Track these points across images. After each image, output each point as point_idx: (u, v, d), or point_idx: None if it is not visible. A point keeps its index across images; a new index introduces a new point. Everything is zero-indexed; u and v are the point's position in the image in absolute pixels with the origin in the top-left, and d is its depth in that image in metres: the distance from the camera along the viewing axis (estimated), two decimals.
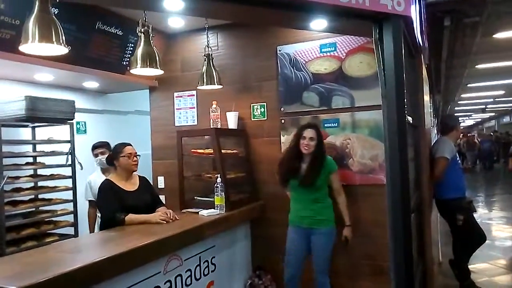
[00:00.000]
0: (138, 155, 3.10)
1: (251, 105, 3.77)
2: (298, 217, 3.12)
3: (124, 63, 3.72)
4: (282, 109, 3.64)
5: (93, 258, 2.01)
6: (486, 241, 4.06)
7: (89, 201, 3.73)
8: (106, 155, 3.44)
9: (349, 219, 3.11)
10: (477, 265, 4.51)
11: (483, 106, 17.49)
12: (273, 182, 3.54)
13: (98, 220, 3.65)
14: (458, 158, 4.05)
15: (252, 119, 3.77)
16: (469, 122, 25.64)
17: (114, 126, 4.71)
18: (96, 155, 3.76)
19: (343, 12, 2.08)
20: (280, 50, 3.64)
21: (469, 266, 4.08)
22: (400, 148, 2.17)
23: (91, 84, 4.09)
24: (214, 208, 3.25)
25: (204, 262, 3.00)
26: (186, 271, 2.79)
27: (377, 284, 3.25)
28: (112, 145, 3.26)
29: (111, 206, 2.87)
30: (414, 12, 2.50)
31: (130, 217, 2.82)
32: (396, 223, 2.32)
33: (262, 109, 3.74)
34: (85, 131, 4.52)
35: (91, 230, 3.70)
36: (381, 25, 2.22)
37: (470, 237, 3.94)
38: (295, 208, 3.16)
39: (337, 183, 3.14)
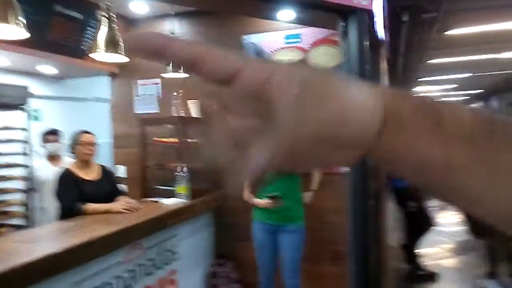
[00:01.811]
0: (95, 144, 3.02)
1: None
2: (265, 212, 2.89)
3: (83, 47, 3.58)
4: None
5: (52, 249, 1.96)
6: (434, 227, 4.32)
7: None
8: (57, 143, 3.38)
9: (316, 186, 3.04)
10: (426, 249, 4.77)
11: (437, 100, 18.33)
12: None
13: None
14: None
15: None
16: None
17: (71, 113, 4.53)
18: (48, 141, 3.60)
19: (311, 4, 2.12)
20: (245, 40, 3.64)
21: (419, 250, 4.32)
22: None
23: (48, 69, 3.92)
24: (176, 197, 3.24)
25: (166, 251, 2.99)
26: (148, 260, 2.77)
27: (336, 267, 3.37)
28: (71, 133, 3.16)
29: (70, 195, 2.79)
30: (377, 7, 2.58)
31: (90, 206, 2.75)
32: (355, 210, 2.42)
33: None
34: (39, 118, 4.32)
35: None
36: (346, 18, 2.28)
37: (421, 223, 4.17)
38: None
39: None
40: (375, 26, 2.84)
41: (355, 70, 2.31)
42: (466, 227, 4.14)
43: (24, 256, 1.84)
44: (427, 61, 8.21)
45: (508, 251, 3.76)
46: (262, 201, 2.85)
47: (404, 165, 0.30)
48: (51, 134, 3.61)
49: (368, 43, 2.40)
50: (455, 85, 12.88)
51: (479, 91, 14.65)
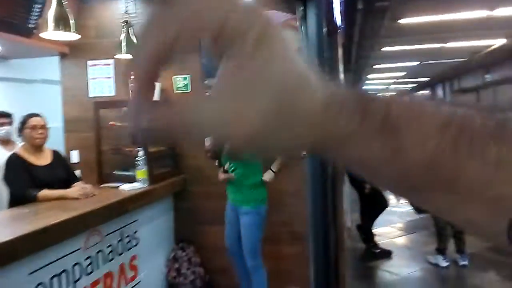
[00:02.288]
0: (46, 127, 2.88)
1: (173, 77, 3.68)
2: (230, 192, 3.06)
3: (30, 25, 3.36)
4: (206, 82, 3.60)
5: (5, 236, 1.86)
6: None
7: None
8: (9, 126, 3.16)
9: (277, 167, 3.06)
10: (380, 229, 5.02)
11: (387, 87, 19.05)
12: (195, 156, 3.53)
13: None
14: None
15: (175, 92, 3.69)
16: None
17: (18, 95, 4.28)
18: (0, 124, 3.39)
19: None
20: None
21: (373, 230, 4.53)
22: None
23: None
24: (135, 182, 3.17)
25: (126, 237, 2.93)
26: (107, 247, 2.71)
27: (295, 248, 3.47)
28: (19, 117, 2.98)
29: (21, 182, 2.65)
30: None
31: (44, 192, 2.63)
32: (314, 192, 2.49)
33: (185, 82, 3.67)
34: None
35: None
36: (305, 3, 2.30)
37: (375, 204, 4.37)
38: (228, 183, 3.07)
39: None
40: (333, 12, 2.90)
41: (313, 55, 2.36)
42: (411, 206, 4.36)
43: None
44: (379, 49, 8.49)
45: (454, 228, 4.03)
46: (220, 175, 2.99)
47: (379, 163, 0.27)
48: (2, 117, 3.40)
49: (326, 29, 2.46)
50: (404, 73, 13.44)
51: (426, 79, 15.40)
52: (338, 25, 3.39)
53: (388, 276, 3.90)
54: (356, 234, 4.59)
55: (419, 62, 10.92)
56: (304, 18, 2.38)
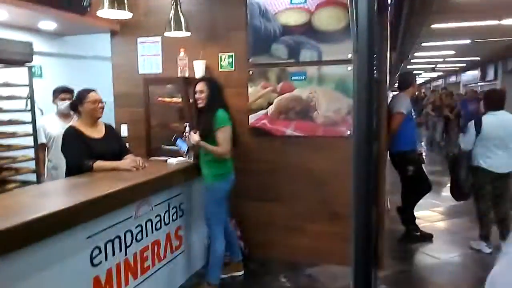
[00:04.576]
0: (103, 102, 3.03)
1: (219, 54, 3.73)
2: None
3: (84, 3, 3.51)
4: (250, 60, 3.64)
5: (68, 203, 2.02)
6: None
7: (40, 144, 3.60)
8: (70, 101, 3.34)
9: (204, 146, 3.00)
10: (420, 212, 4.94)
11: (434, 66, 18.20)
12: (240, 132, 3.61)
13: (49, 164, 3.58)
14: (413, 113, 4.30)
15: (220, 69, 3.74)
16: (419, 80, 26.88)
17: (71, 70, 4.50)
18: (63, 99, 3.60)
19: None
20: (250, 0, 3.58)
21: (415, 213, 4.47)
22: (368, 102, 2.29)
23: (48, 24, 3.84)
24: (181, 157, 3.29)
25: (172, 208, 3.08)
26: (156, 216, 2.86)
27: (332, 227, 3.51)
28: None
29: (78, 153, 2.82)
30: None
31: (99, 163, 2.80)
32: (360, 172, 2.50)
33: (230, 60, 3.71)
34: (41, 75, 4.29)
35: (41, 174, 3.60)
36: None
37: (418, 187, 4.29)
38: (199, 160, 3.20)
39: (219, 139, 2.96)
40: None
41: (363, 33, 2.32)
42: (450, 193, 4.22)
43: (40, 210, 1.90)
44: (431, 26, 8.12)
45: (496, 215, 3.90)
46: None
47: None
48: (65, 92, 3.61)
49: (376, 6, 2.40)
50: (453, 52, 12.80)
51: (477, 58, 14.59)
52: (388, 1, 3.30)
53: (428, 259, 3.86)
54: (395, 216, 4.55)
55: (470, 41, 10.35)
56: None
